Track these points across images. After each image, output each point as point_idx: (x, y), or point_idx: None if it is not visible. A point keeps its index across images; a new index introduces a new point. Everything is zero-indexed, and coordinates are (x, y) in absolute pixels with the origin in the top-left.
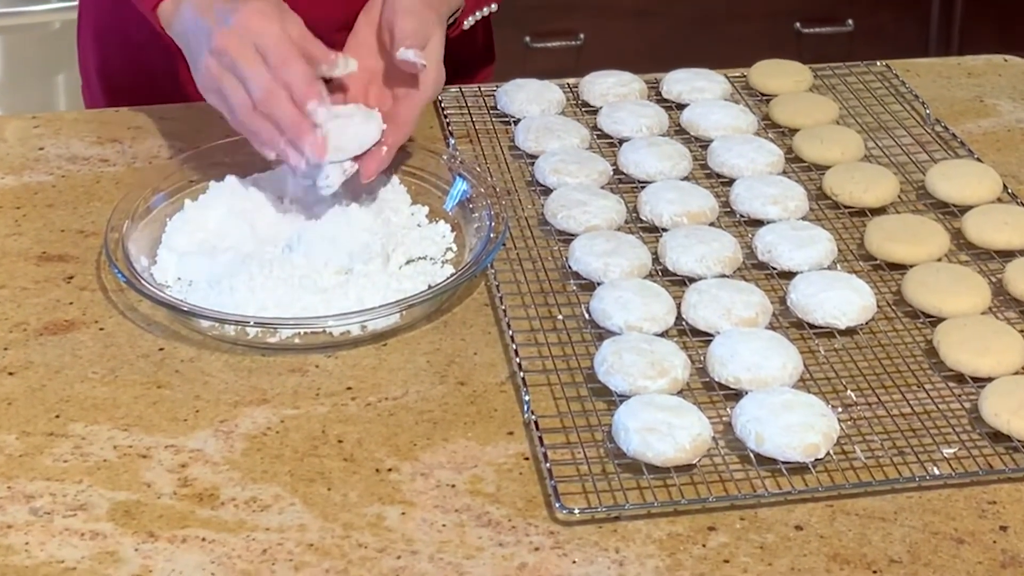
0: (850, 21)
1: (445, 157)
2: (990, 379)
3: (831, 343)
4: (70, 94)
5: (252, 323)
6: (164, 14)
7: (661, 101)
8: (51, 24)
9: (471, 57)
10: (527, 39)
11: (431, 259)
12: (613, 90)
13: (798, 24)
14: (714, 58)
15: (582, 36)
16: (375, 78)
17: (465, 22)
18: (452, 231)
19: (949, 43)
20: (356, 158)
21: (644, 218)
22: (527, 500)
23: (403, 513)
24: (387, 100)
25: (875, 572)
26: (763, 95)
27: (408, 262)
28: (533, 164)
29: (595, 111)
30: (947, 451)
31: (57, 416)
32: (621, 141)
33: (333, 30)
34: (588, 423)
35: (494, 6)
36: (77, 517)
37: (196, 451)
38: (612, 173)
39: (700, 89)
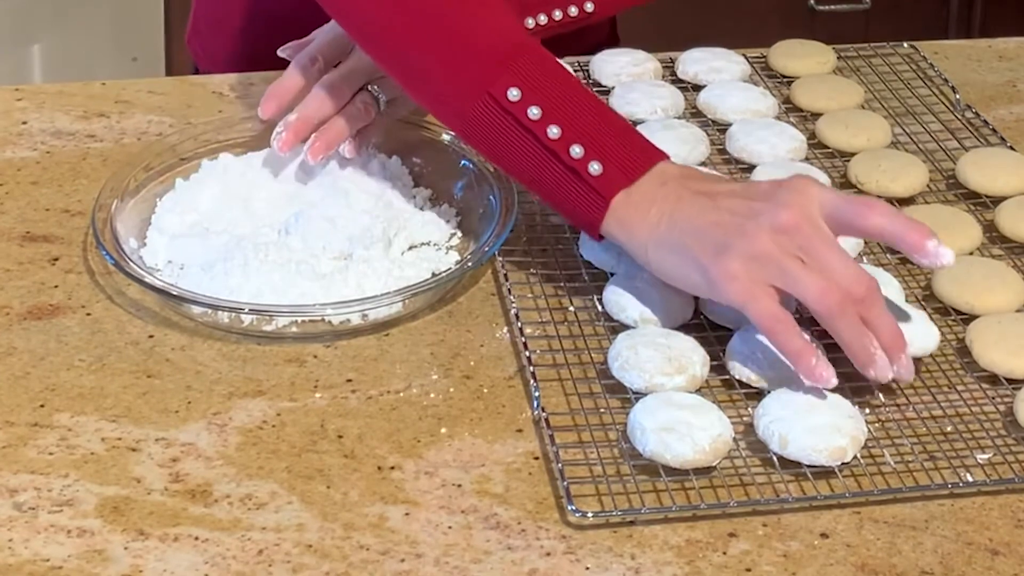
0: None
1: (449, 138)
2: None
3: None
4: (46, 65)
5: (247, 310)
6: (620, 204)
7: (676, 82)
8: None
9: (598, 45)
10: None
11: (435, 245)
12: (626, 69)
13: (812, 1)
14: (723, 35)
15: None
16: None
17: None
18: (457, 216)
19: (970, 23)
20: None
21: None
22: (537, 502)
23: (407, 513)
24: None
25: None
26: (784, 77)
27: (410, 248)
28: None
29: (607, 91)
30: (981, 456)
31: (42, 406)
32: (635, 123)
33: None
34: (602, 421)
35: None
36: (63, 513)
37: (188, 445)
38: None
39: (717, 70)
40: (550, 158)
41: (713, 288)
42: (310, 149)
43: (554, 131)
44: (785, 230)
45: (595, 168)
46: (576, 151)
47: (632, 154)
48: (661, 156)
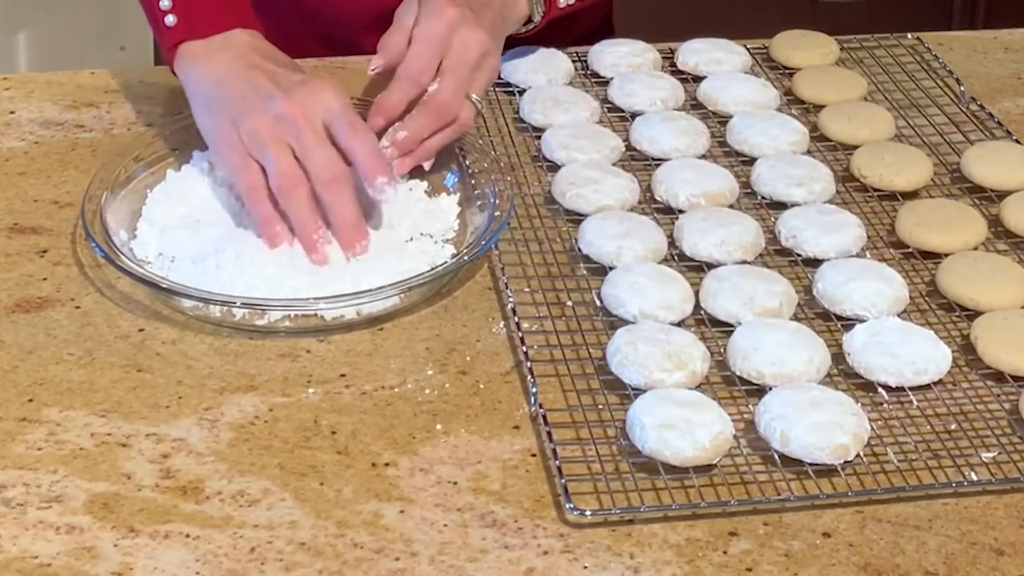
0: None
1: None
2: None
3: None
4: (32, 54)
5: (239, 304)
6: (186, 54)
7: (676, 73)
8: None
9: (592, 32)
10: None
11: (431, 238)
12: (625, 60)
13: None
14: (723, 27)
15: None
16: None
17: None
18: (457, 207)
19: (974, 14)
20: None
21: (659, 198)
22: (534, 499)
23: (401, 511)
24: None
25: None
26: (786, 68)
27: (410, 239)
28: (539, 138)
29: (606, 82)
30: (986, 455)
31: (30, 400)
32: (634, 115)
33: (364, 28)
34: (600, 418)
35: None
36: (52, 509)
37: (179, 440)
38: (624, 149)
39: (718, 61)
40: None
41: (214, 150)
42: (399, 163)
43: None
44: (283, 119)
45: (170, 20)
46: (165, 3)
47: (209, 14)
48: (239, 25)
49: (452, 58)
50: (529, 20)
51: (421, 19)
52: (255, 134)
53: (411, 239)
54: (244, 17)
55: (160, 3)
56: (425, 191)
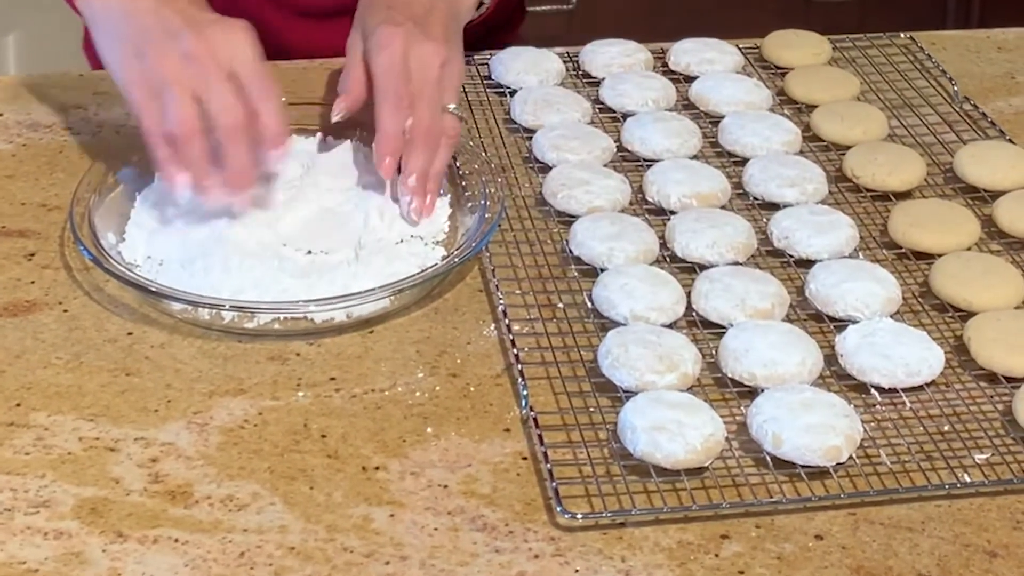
0: None
1: None
2: None
3: None
4: (21, 56)
5: (228, 307)
6: None
7: (668, 73)
8: None
9: (506, 17)
10: None
11: (421, 239)
12: (617, 60)
13: None
14: (717, 27)
15: (573, 0)
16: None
17: None
18: (448, 208)
19: (968, 13)
20: None
21: (650, 199)
22: (525, 503)
23: (392, 515)
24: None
25: None
26: (778, 68)
27: (400, 241)
28: (530, 139)
29: (597, 83)
30: (979, 457)
31: (18, 404)
32: (625, 116)
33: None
34: (591, 421)
35: None
36: (40, 514)
37: (168, 444)
38: (616, 150)
39: (710, 61)
40: None
41: (120, 85)
42: (424, 209)
43: None
44: (190, 57)
45: None
46: None
47: None
48: None
49: (416, 82)
50: (480, 3)
51: (372, 55)
52: (157, 71)
53: (401, 241)
54: None
55: None
56: None
